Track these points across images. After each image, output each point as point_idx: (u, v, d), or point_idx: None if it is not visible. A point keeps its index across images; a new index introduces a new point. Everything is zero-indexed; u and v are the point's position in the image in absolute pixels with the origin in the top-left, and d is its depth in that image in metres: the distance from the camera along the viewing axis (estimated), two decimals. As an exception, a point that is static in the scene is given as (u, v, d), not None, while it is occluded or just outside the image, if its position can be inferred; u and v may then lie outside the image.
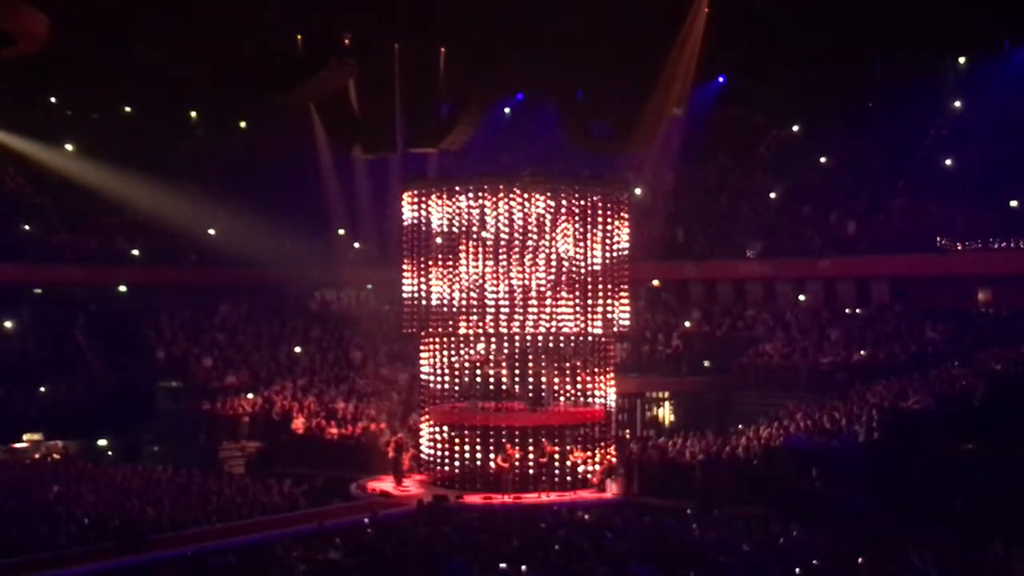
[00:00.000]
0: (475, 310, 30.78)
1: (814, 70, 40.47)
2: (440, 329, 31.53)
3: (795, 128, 45.49)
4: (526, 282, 30.64)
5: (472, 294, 30.80)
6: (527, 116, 46.02)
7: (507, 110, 47.16)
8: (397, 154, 37.59)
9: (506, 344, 31.10)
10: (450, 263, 31.07)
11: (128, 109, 46.94)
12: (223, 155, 47.26)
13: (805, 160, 44.20)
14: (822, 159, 43.89)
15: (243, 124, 49.36)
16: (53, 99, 46.15)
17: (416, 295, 31.81)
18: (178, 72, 39.69)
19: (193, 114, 49.02)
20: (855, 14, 37.64)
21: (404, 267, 32.13)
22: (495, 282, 30.62)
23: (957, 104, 41.78)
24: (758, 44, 38.31)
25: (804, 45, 38.95)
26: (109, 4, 34.98)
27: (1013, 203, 37.17)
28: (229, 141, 49.04)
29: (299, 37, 33.77)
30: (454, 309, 31.09)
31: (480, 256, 30.77)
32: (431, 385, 32.01)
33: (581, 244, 30.93)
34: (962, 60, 42.07)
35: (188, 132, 48.94)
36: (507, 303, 30.55)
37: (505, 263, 30.61)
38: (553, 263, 30.76)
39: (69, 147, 45.43)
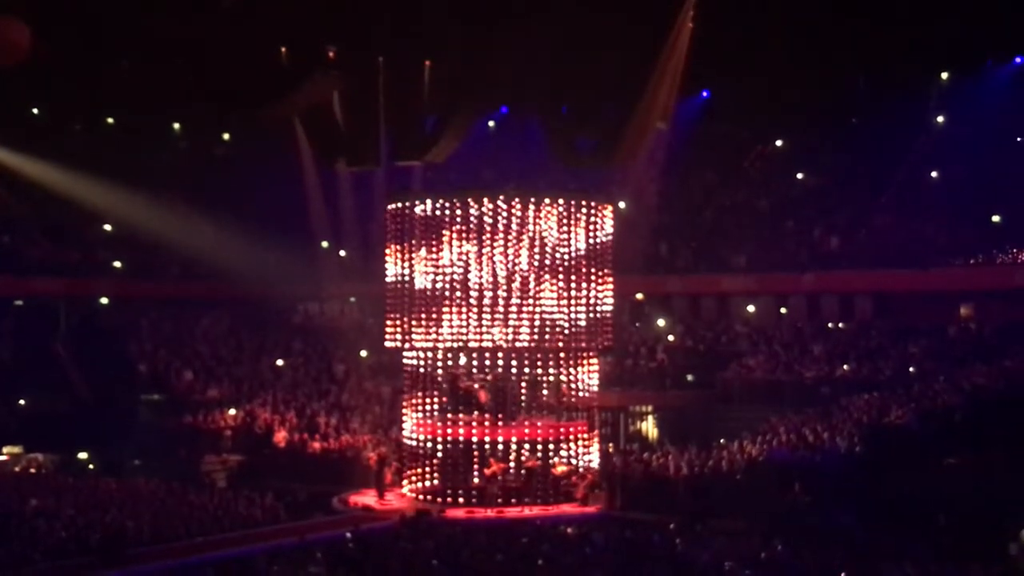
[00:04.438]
0: (458, 314, 30.81)
1: (798, 85, 40.61)
2: (422, 333, 31.60)
3: (779, 143, 45.62)
4: (507, 285, 30.69)
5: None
6: (512, 129, 46.02)
7: (492, 123, 47.17)
8: (381, 167, 37.55)
9: (487, 356, 31.11)
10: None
11: (111, 121, 46.79)
12: (206, 167, 47.15)
13: (789, 175, 44.32)
14: (806, 174, 43.99)
15: (226, 136, 49.25)
16: (35, 111, 45.98)
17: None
18: (161, 84, 39.57)
19: (176, 126, 48.89)
20: (839, 30, 37.80)
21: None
22: (478, 282, 30.64)
23: (940, 120, 41.95)
24: (742, 59, 38.43)
25: (788, 60, 39.10)
26: (92, 16, 34.90)
27: (995, 218, 37.31)
28: (212, 153, 48.94)
29: (283, 50, 33.72)
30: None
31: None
32: (413, 398, 31.99)
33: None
34: (945, 76, 42.26)
35: (171, 144, 48.81)
36: (489, 308, 30.60)
37: (487, 264, 30.66)
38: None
39: (51, 159, 45.20)
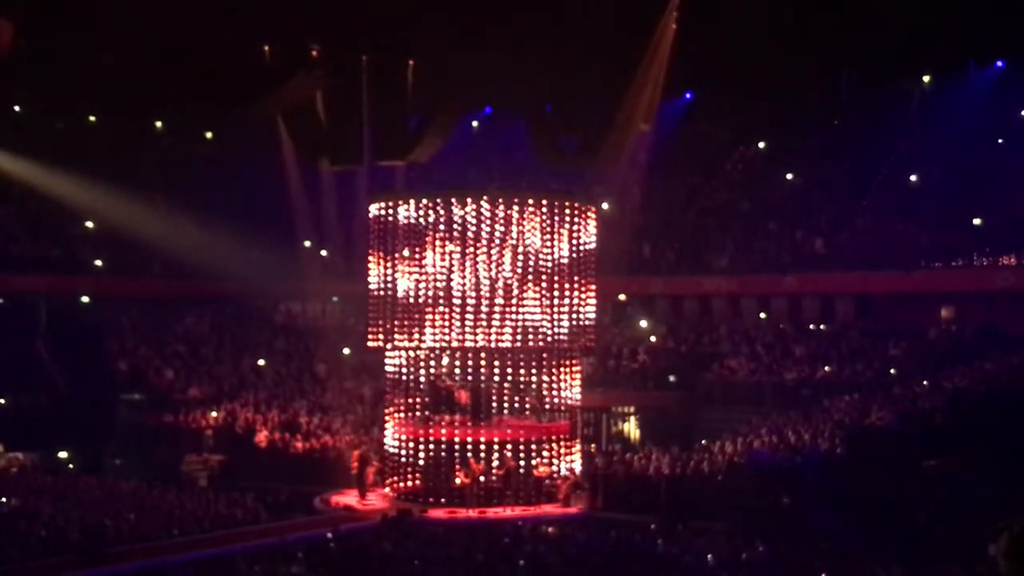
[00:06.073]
0: (440, 318, 30.67)
1: (781, 87, 40.73)
2: (404, 337, 31.41)
3: (761, 145, 45.70)
4: (490, 292, 30.58)
5: (439, 296, 30.65)
6: (495, 130, 46.02)
7: (475, 123, 47.15)
8: (364, 166, 37.51)
9: (470, 357, 31.04)
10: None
11: (93, 118, 46.58)
12: (189, 165, 46.99)
13: (771, 177, 44.41)
14: (788, 176, 44.11)
15: (209, 135, 49.11)
16: (17, 107, 45.74)
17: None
18: (144, 82, 39.45)
19: (159, 124, 48.73)
20: (822, 32, 37.93)
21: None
22: (460, 287, 30.51)
23: (922, 123, 42.13)
24: (725, 61, 38.54)
25: (771, 62, 39.21)
26: (75, 12, 34.78)
27: (976, 221, 37.47)
28: (195, 151, 48.77)
29: (267, 48, 33.68)
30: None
31: (447, 258, 30.61)
32: (395, 399, 31.92)
33: (548, 247, 30.84)
34: (927, 79, 42.44)
35: (154, 142, 48.62)
36: (472, 313, 30.50)
37: (471, 269, 30.51)
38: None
39: (33, 156, 44.97)
